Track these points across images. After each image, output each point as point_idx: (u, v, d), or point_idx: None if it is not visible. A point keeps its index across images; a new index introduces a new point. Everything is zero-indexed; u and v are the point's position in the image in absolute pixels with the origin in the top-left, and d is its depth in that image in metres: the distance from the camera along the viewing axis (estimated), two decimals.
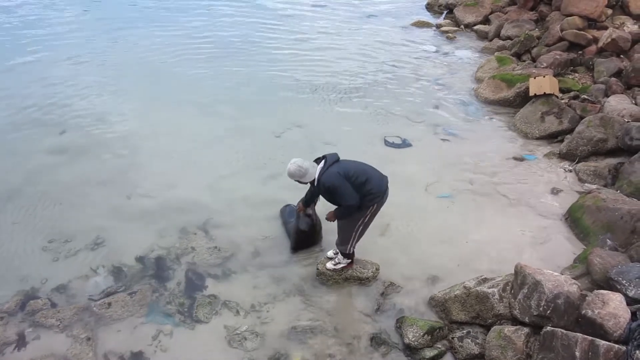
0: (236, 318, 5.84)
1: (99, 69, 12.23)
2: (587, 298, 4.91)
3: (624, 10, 12.38)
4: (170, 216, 7.38)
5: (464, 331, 5.47)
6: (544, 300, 4.82)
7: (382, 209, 5.89)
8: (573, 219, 7.16)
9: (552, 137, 9.43)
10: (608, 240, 6.40)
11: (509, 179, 8.32)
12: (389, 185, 5.67)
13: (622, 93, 9.76)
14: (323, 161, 5.40)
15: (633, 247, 5.98)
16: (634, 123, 8.27)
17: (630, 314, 4.65)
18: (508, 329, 5.03)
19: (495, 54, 12.87)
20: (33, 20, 15.62)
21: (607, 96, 9.75)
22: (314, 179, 5.41)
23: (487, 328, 5.38)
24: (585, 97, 9.97)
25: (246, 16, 16.25)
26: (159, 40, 14.10)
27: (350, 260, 6.18)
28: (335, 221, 5.78)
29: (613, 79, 10.20)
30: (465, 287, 5.61)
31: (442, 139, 9.54)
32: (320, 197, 6.03)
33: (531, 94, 9.94)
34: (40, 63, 12.52)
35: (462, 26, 15.48)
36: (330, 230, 6.48)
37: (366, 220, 5.66)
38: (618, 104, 9.20)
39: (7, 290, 6.13)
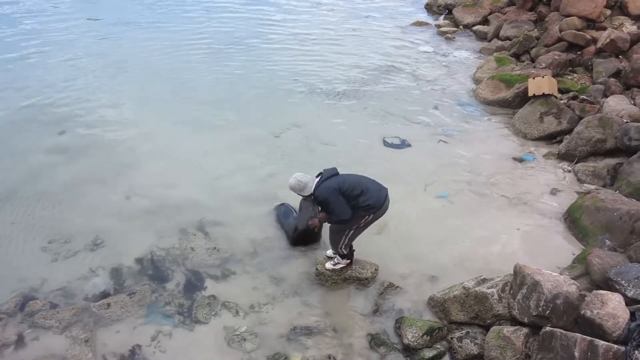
0: (235, 319, 5.83)
1: (99, 69, 12.22)
2: (586, 298, 4.91)
3: (623, 10, 12.39)
4: (169, 216, 7.38)
5: (463, 331, 5.47)
6: (543, 301, 4.83)
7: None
8: (572, 219, 7.17)
9: (551, 138, 9.43)
10: (607, 240, 6.41)
11: (507, 180, 8.33)
12: (389, 194, 5.72)
13: (620, 93, 9.78)
14: (320, 175, 5.63)
15: (632, 247, 5.99)
16: (633, 123, 8.28)
17: (629, 314, 4.66)
18: (507, 330, 5.03)
19: (494, 54, 12.89)
20: (32, 19, 15.63)
21: (606, 97, 9.77)
22: (311, 194, 5.60)
23: (486, 328, 5.38)
24: (584, 97, 9.98)
25: (245, 16, 16.26)
26: (158, 39, 14.09)
27: (349, 261, 6.19)
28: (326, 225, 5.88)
29: (612, 79, 10.22)
30: (464, 287, 5.62)
31: (441, 140, 9.55)
32: None
33: (530, 94, 9.96)
34: (40, 62, 12.52)
35: (461, 26, 15.50)
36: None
37: (360, 227, 5.76)
38: (617, 104, 9.21)
39: (6, 290, 6.11)
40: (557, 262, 6.46)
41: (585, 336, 4.44)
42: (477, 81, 11.86)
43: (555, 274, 5.17)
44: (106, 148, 9.03)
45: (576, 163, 8.57)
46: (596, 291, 5.00)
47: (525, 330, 4.99)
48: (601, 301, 4.77)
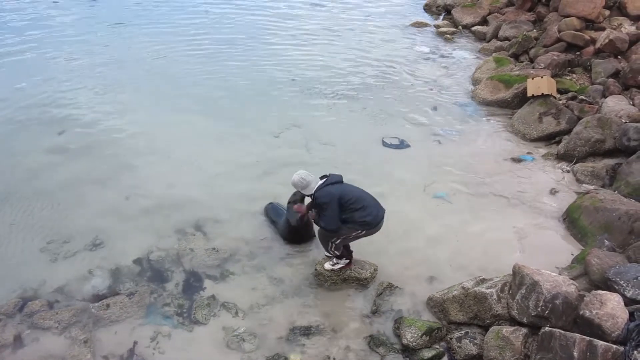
0: (234, 319, 5.83)
1: (98, 68, 12.21)
2: (585, 298, 4.92)
3: (622, 11, 12.40)
4: (168, 217, 7.38)
5: (462, 332, 5.47)
6: (542, 301, 4.83)
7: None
8: (571, 219, 7.17)
9: (550, 138, 9.44)
10: (606, 240, 6.41)
11: (506, 180, 8.33)
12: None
13: (619, 94, 9.79)
14: (325, 178, 5.70)
15: (631, 247, 6.00)
16: (632, 124, 8.29)
17: (628, 314, 4.66)
18: (506, 330, 5.04)
19: (493, 54, 12.89)
20: (30, 17, 15.63)
21: (605, 97, 9.78)
22: (312, 194, 5.68)
23: (485, 329, 5.39)
24: (583, 98, 9.99)
25: (244, 16, 16.25)
26: (157, 39, 14.09)
27: (348, 261, 6.20)
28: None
29: (611, 79, 10.23)
30: (463, 287, 5.62)
31: (440, 140, 9.55)
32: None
33: (529, 94, 9.96)
34: (38, 61, 12.53)
35: (460, 27, 15.50)
36: None
37: (349, 237, 5.84)
38: (616, 104, 9.22)
39: (5, 291, 6.12)
40: (556, 262, 6.47)
41: (584, 336, 4.45)
42: (476, 81, 11.87)
43: (554, 274, 5.17)
44: (105, 148, 9.03)
45: (575, 163, 8.57)
46: (595, 291, 5.01)
47: (524, 330, 5.00)
48: (600, 301, 4.78)
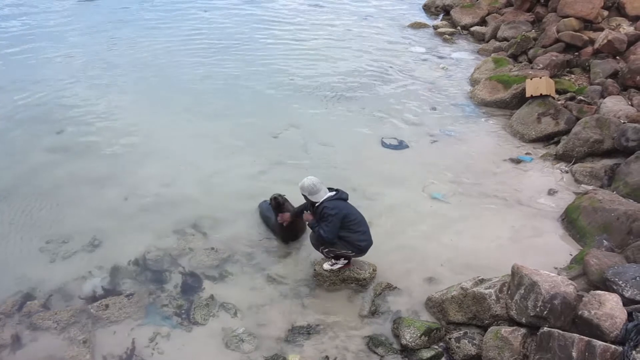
0: (233, 320, 5.83)
1: (96, 68, 12.21)
2: (583, 299, 4.93)
3: (620, 11, 12.42)
4: (167, 217, 7.37)
5: (461, 332, 5.48)
6: (540, 301, 4.84)
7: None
8: (569, 219, 7.18)
9: (549, 139, 9.45)
10: (604, 241, 6.42)
11: (505, 180, 8.34)
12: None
13: (618, 94, 9.79)
14: (335, 192, 5.91)
15: (629, 247, 6.01)
16: (630, 124, 8.30)
17: (626, 314, 4.67)
18: (505, 330, 5.04)
19: (492, 55, 12.89)
20: (29, 16, 15.62)
21: (603, 97, 9.79)
22: (318, 202, 5.84)
23: (484, 329, 5.39)
24: (582, 98, 10.00)
25: (242, 17, 16.24)
26: (156, 40, 14.08)
27: (347, 261, 6.20)
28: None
29: (609, 80, 10.24)
30: (462, 288, 5.63)
31: (438, 141, 9.56)
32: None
33: (527, 95, 9.97)
34: (37, 61, 12.53)
35: (458, 27, 15.50)
36: None
37: (337, 252, 6.01)
38: (614, 105, 9.23)
39: (4, 291, 6.11)
40: (555, 262, 6.48)
41: (582, 336, 4.45)
42: (474, 82, 11.87)
43: (553, 275, 5.18)
44: (104, 147, 9.02)
45: (574, 164, 8.58)
46: (594, 291, 5.02)
47: (523, 330, 5.00)
48: (599, 301, 4.79)
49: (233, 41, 14.12)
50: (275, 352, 5.44)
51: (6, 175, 8.21)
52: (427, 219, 7.46)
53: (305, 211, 6.20)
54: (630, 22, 12.02)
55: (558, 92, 10.37)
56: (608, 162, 8.33)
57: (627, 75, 10.00)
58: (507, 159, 8.94)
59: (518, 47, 12.55)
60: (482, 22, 15.44)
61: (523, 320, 5.03)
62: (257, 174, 8.37)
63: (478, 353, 5.23)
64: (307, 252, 6.73)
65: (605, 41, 11.01)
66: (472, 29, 15.20)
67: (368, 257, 6.42)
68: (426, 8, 17.78)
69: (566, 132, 9.22)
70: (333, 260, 6.19)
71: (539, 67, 11.10)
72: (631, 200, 7.08)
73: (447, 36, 14.87)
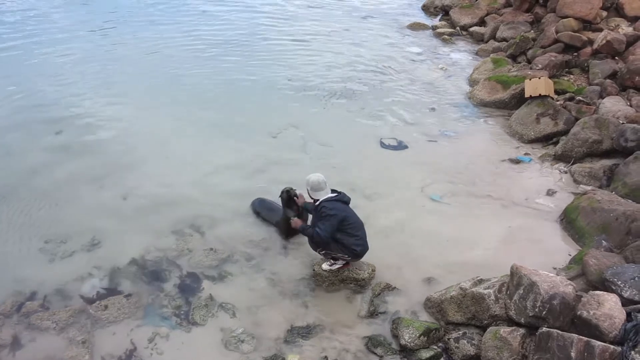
0: (232, 320, 5.83)
1: (95, 67, 12.21)
2: (582, 299, 4.93)
3: (619, 12, 12.44)
4: (166, 217, 7.36)
5: (460, 332, 5.48)
6: (539, 301, 4.84)
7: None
8: (568, 220, 7.19)
9: (548, 139, 9.46)
10: (603, 241, 6.42)
11: (504, 181, 8.34)
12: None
13: (617, 95, 9.81)
14: (337, 194, 5.99)
15: (628, 248, 6.01)
16: (629, 125, 8.31)
17: (625, 314, 4.67)
18: (504, 330, 5.04)
19: (491, 55, 12.91)
20: (26, 15, 15.62)
21: (602, 98, 9.80)
22: (318, 200, 5.94)
23: (483, 329, 5.39)
24: (581, 98, 10.01)
25: (241, 17, 16.26)
26: (154, 39, 14.09)
27: (345, 261, 6.20)
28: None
29: (608, 80, 10.25)
30: (461, 288, 5.63)
31: (437, 141, 9.56)
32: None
33: (526, 95, 9.98)
34: (35, 60, 12.52)
35: (457, 28, 15.52)
36: None
37: (333, 255, 6.03)
38: (613, 105, 9.24)
39: (3, 291, 6.09)
40: (554, 262, 6.48)
41: (581, 337, 4.45)
42: (473, 82, 11.88)
43: (552, 275, 5.18)
44: (103, 147, 9.02)
45: (572, 164, 8.59)
46: (592, 292, 5.02)
47: (521, 330, 5.00)
48: (597, 302, 4.79)
49: (232, 41, 14.13)
50: (274, 353, 5.43)
51: (5, 175, 8.20)
52: (426, 219, 7.46)
53: (293, 218, 6.29)
54: (629, 23, 12.04)
55: (557, 92, 10.39)
56: (607, 162, 8.34)
57: (626, 75, 10.01)
58: (506, 159, 8.95)
59: (517, 48, 12.56)
60: (481, 22, 15.47)
61: (522, 320, 5.03)
62: (256, 174, 8.36)
63: (477, 353, 5.23)
64: (306, 252, 6.72)
65: (604, 42, 11.03)
66: (471, 29, 15.23)
67: (367, 257, 6.42)
68: (425, 8, 17.81)
69: (565, 132, 9.23)
70: (332, 261, 6.19)
71: (538, 68, 11.12)
72: (630, 201, 7.08)
73: (446, 36, 14.88)
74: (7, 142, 9.13)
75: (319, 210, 5.84)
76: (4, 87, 11.10)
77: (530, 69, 11.24)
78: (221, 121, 9.99)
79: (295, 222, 6.12)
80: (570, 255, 6.63)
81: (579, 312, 4.80)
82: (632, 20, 12.05)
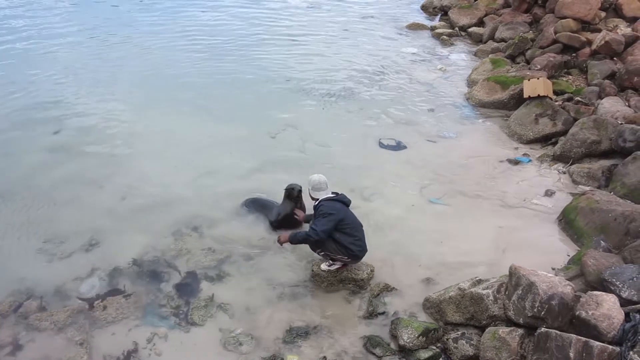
0: (231, 321, 5.82)
1: (93, 68, 12.21)
2: (581, 299, 4.93)
3: (617, 12, 12.47)
4: (165, 217, 7.35)
5: (459, 332, 5.48)
6: (538, 302, 4.84)
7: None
8: (567, 220, 7.19)
9: (546, 139, 9.46)
10: (602, 241, 6.42)
11: (502, 181, 8.35)
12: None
13: (615, 95, 9.82)
14: (336, 194, 6.06)
15: (627, 248, 6.01)
16: (627, 125, 8.32)
17: (624, 315, 4.67)
18: (502, 330, 5.04)
19: (490, 56, 12.92)
20: (26, 14, 15.59)
21: (601, 98, 9.81)
22: (318, 199, 6.03)
23: (481, 329, 5.39)
24: (579, 99, 10.02)
25: (239, 17, 16.26)
26: (153, 39, 14.09)
27: (344, 262, 6.20)
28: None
29: (606, 81, 10.27)
30: (460, 288, 5.63)
31: (436, 142, 9.56)
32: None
33: (525, 96, 9.99)
34: (33, 60, 12.50)
35: (456, 28, 15.53)
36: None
37: (331, 255, 6.03)
38: (611, 106, 9.25)
39: (1, 291, 6.08)
40: (552, 263, 6.48)
41: (580, 337, 4.45)
42: (472, 83, 11.89)
43: (551, 275, 5.18)
44: (101, 147, 9.01)
45: (571, 164, 8.60)
46: (591, 292, 5.02)
47: (520, 331, 5.00)
48: (596, 302, 4.79)
49: (230, 41, 14.13)
50: (273, 353, 5.42)
51: (3, 175, 8.19)
52: (424, 220, 7.46)
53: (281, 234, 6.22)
54: (628, 24, 12.06)
55: (555, 93, 10.39)
56: (605, 162, 8.35)
57: (625, 76, 10.02)
58: (505, 160, 8.95)
59: (516, 48, 12.57)
60: (480, 23, 15.48)
61: (521, 320, 5.03)
62: (255, 174, 8.36)
63: (475, 353, 5.23)
64: (304, 252, 6.71)
65: (602, 42, 11.04)
66: (470, 29, 15.25)
67: (366, 258, 6.42)
68: (424, 9, 17.84)
69: (564, 133, 9.24)
70: (330, 261, 6.19)
71: (536, 68, 11.13)
72: (628, 201, 7.08)
73: (444, 37, 14.89)
74: (5, 142, 9.12)
75: (317, 210, 5.90)
76: (1, 87, 11.07)
77: (529, 69, 11.25)
78: (220, 121, 9.98)
79: (283, 238, 6.04)
80: (568, 255, 6.63)
81: (577, 313, 4.80)
82: (631, 20, 12.08)
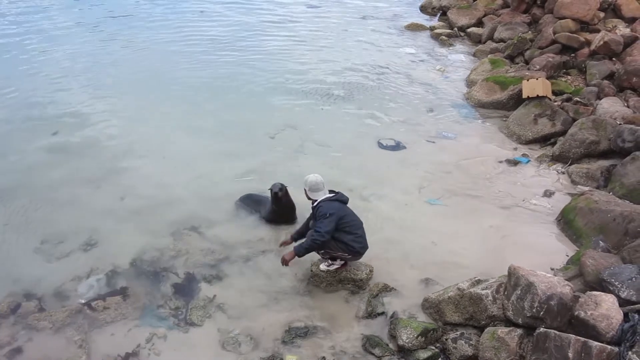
0: (230, 321, 5.81)
1: (91, 69, 12.19)
2: (580, 299, 4.93)
3: (616, 13, 12.47)
4: (163, 217, 7.35)
5: (458, 332, 5.48)
6: (537, 302, 4.84)
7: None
8: (566, 220, 7.20)
9: (545, 140, 9.47)
10: (600, 241, 6.43)
11: (501, 182, 8.35)
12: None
13: (614, 95, 9.83)
14: (335, 194, 6.02)
15: (625, 248, 6.02)
16: (626, 125, 8.33)
17: (622, 315, 4.68)
18: (501, 331, 5.04)
19: (489, 56, 12.92)
20: (25, 14, 15.58)
21: (600, 99, 9.82)
22: (316, 200, 5.96)
23: (480, 329, 5.39)
24: (578, 99, 10.03)
25: (239, 18, 16.24)
26: (152, 40, 14.08)
27: (343, 261, 6.20)
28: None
29: (605, 81, 10.28)
30: (459, 288, 5.63)
31: (435, 142, 9.56)
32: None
33: (524, 96, 9.99)
34: (31, 61, 12.48)
35: (455, 29, 15.53)
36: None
37: (332, 253, 6.01)
38: (610, 106, 9.26)
39: None
40: (551, 263, 6.49)
41: (579, 337, 4.46)
42: (471, 83, 11.89)
43: (549, 275, 5.18)
44: (100, 148, 9.01)
45: (570, 165, 8.60)
46: (590, 292, 5.02)
47: (519, 331, 5.00)
48: (595, 302, 4.79)
49: (230, 41, 14.12)
50: (272, 353, 5.42)
51: (2, 176, 8.17)
52: (423, 220, 7.46)
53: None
54: (627, 24, 12.07)
55: (554, 93, 10.40)
56: (604, 163, 8.36)
57: (623, 76, 10.04)
58: (504, 160, 8.95)
59: (514, 49, 12.58)
60: (479, 23, 15.48)
61: (519, 320, 5.03)
62: (254, 174, 8.34)
63: (474, 354, 5.23)
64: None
65: (601, 43, 11.05)
66: (469, 30, 15.25)
67: (365, 258, 6.42)
68: (423, 9, 17.84)
69: (562, 133, 9.24)
70: (329, 261, 6.19)
71: (535, 69, 11.13)
72: (627, 201, 7.09)
73: (443, 37, 14.90)
74: (3, 142, 9.11)
75: (316, 211, 5.88)
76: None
77: (528, 69, 11.26)
78: (219, 121, 9.98)
79: (285, 258, 5.88)
80: (567, 255, 6.64)
81: (576, 313, 4.81)
82: (630, 21, 12.09)
